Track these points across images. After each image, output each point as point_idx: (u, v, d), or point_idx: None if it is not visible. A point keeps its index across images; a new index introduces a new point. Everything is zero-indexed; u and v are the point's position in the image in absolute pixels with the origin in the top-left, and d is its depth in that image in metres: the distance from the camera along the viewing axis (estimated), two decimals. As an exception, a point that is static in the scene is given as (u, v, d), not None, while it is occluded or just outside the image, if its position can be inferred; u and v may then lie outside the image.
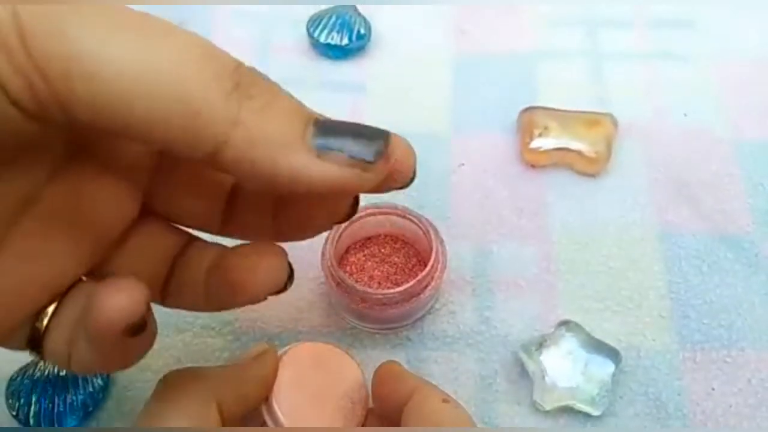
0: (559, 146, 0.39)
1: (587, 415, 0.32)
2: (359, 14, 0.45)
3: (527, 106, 0.41)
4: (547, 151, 0.39)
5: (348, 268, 0.36)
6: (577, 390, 0.32)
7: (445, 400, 0.25)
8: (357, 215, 0.34)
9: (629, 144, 0.41)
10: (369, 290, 0.32)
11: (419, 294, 0.33)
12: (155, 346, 0.34)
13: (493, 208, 0.39)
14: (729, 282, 0.36)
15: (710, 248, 0.37)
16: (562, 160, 0.40)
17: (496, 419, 0.33)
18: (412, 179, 0.23)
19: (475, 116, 0.42)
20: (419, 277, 0.32)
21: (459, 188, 0.39)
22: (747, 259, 0.36)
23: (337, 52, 0.45)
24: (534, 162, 0.40)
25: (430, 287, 0.33)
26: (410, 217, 0.34)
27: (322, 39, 0.44)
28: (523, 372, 0.33)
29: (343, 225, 0.34)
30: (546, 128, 0.40)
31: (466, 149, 0.41)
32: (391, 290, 0.32)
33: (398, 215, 0.34)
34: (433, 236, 0.33)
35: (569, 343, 0.33)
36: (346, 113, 0.43)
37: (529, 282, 0.36)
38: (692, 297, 0.35)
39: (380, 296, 0.32)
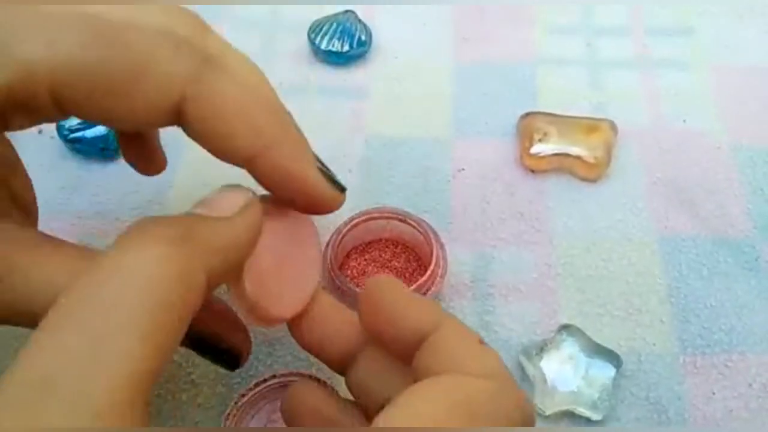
0: (558, 152, 0.39)
1: (588, 420, 0.32)
2: (360, 21, 0.46)
3: (527, 111, 0.41)
4: (546, 157, 0.40)
5: (349, 272, 0.36)
6: (578, 394, 0.32)
7: (481, 341, 0.21)
8: (358, 219, 0.34)
9: (628, 149, 0.41)
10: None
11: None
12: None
13: (493, 213, 0.39)
14: (729, 286, 0.36)
15: (710, 252, 0.37)
16: (561, 165, 0.40)
17: (497, 424, 0.33)
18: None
19: (475, 122, 0.43)
20: (420, 281, 0.32)
21: (459, 193, 0.40)
22: (747, 263, 0.37)
23: (338, 59, 0.45)
24: (534, 167, 0.40)
25: (430, 292, 0.33)
26: (411, 221, 0.34)
27: (323, 46, 0.44)
28: (524, 376, 0.33)
29: (345, 229, 0.34)
30: (545, 134, 0.40)
31: (466, 155, 0.41)
32: None
33: (399, 220, 0.35)
34: (433, 241, 0.34)
35: (570, 347, 0.33)
36: (346, 120, 0.43)
37: (529, 286, 0.36)
38: (692, 301, 0.36)
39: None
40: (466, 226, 0.38)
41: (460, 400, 0.18)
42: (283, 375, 0.32)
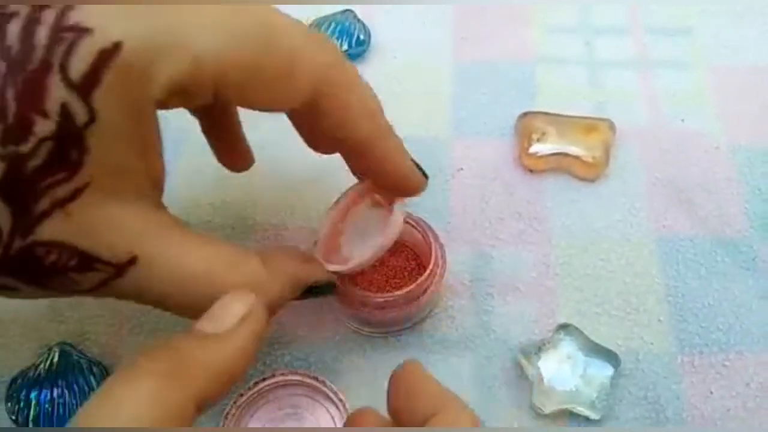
0: (557, 151, 0.40)
1: (586, 419, 0.32)
2: (359, 20, 0.46)
3: (525, 111, 0.41)
4: (545, 156, 0.40)
5: (347, 272, 0.36)
6: (576, 393, 0.32)
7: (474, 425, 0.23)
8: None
9: (627, 149, 0.41)
10: (369, 294, 0.32)
11: (418, 298, 0.33)
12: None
13: (491, 213, 0.39)
14: (727, 286, 0.36)
15: (708, 252, 0.37)
16: (560, 165, 0.40)
17: (496, 423, 0.33)
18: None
19: (473, 121, 0.43)
20: (419, 281, 0.32)
21: (458, 193, 0.40)
22: (745, 263, 0.37)
23: (336, 58, 0.45)
24: (532, 167, 0.40)
25: (429, 291, 0.33)
26: (410, 221, 0.34)
27: (321, 45, 0.44)
28: (522, 376, 0.33)
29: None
30: (544, 133, 0.40)
31: (464, 154, 0.41)
32: (391, 294, 0.32)
33: (398, 219, 0.35)
34: (432, 240, 0.34)
35: (568, 346, 0.33)
36: (345, 118, 0.43)
37: (527, 286, 0.36)
38: (690, 301, 0.36)
39: (380, 300, 0.32)
40: (464, 226, 0.38)
41: None
42: (282, 374, 0.32)
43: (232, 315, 0.22)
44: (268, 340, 0.35)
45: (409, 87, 0.44)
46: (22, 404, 0.32)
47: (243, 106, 0.25)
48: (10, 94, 0.19)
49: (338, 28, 0.45)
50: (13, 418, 0.32)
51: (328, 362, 0.34)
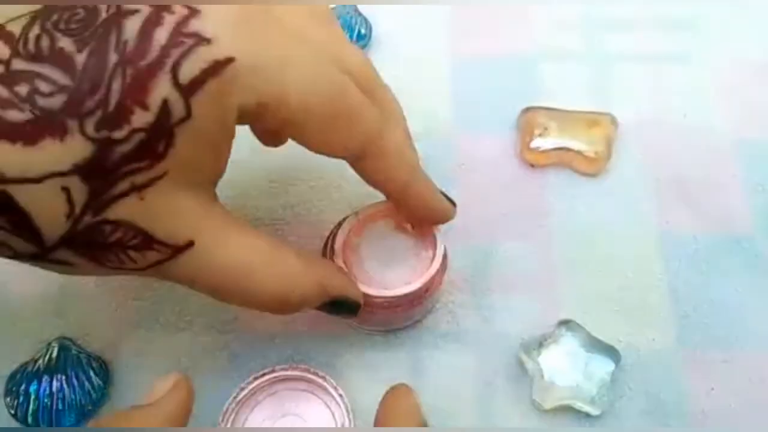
0: (559, 146, 0.39)
1: (587, 415, 0.32)
2: (360, 14, 0.45)
3: (527, 106, 0.41)
4: (546, 151, 0.40)
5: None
6: (577, 389, 0.32)
7: None
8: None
9: (629, 144, 0.41)
10: (370, 294, 0.32)
11: (420, 294, 0.32)
12: (156, 345, 0.35)
13: (493, 208, 0.39)
14: (729, 282, 0.36)
15: (710, 248, 0.37)
16: (562, 160, 0.40)
17: (496, 418, 0.33)
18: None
19: (475, 116, 0.42)
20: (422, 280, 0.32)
21: (459, 188, 0.39)
22: (747, 260, 0.36)
23: (337, 52, 0.44)
24: (534, 162, 0.40)
25: (430, 290, 0.33)
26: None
27: (322, 39, 0.44)
28: (523, 371, 0.33)
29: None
30: (546, 128, 0.40)
31: (466, 149, 0.41)
32: (393, 295, 0.32)
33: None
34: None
35: (569, 342, 0.33)
36: (346, 113, 0.43)
37: (528, 281, 0.36)
38: (692, 297, 0.35)
39: (381, 300, 0.32)
40: (465, 221, 0.38)
41: None
42: (282, 369, 0.32)
43: (163, 387, 0.25)
44: (269, 336, 0.35)
45: (410, 82, 0.44)
46: (21, 398, 0.32)
47: (294, 140, 0.26)
48: (116, 85, 0.20)
49: (339, 22, 0.44)
50: (12, 412, 0.32)
51: (328, 358, 0.34)
